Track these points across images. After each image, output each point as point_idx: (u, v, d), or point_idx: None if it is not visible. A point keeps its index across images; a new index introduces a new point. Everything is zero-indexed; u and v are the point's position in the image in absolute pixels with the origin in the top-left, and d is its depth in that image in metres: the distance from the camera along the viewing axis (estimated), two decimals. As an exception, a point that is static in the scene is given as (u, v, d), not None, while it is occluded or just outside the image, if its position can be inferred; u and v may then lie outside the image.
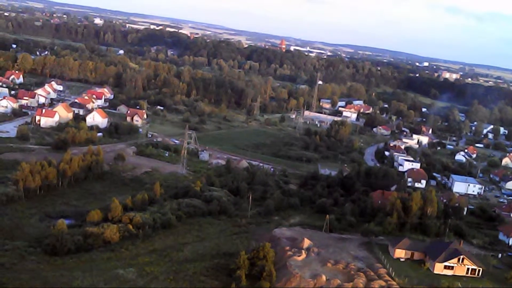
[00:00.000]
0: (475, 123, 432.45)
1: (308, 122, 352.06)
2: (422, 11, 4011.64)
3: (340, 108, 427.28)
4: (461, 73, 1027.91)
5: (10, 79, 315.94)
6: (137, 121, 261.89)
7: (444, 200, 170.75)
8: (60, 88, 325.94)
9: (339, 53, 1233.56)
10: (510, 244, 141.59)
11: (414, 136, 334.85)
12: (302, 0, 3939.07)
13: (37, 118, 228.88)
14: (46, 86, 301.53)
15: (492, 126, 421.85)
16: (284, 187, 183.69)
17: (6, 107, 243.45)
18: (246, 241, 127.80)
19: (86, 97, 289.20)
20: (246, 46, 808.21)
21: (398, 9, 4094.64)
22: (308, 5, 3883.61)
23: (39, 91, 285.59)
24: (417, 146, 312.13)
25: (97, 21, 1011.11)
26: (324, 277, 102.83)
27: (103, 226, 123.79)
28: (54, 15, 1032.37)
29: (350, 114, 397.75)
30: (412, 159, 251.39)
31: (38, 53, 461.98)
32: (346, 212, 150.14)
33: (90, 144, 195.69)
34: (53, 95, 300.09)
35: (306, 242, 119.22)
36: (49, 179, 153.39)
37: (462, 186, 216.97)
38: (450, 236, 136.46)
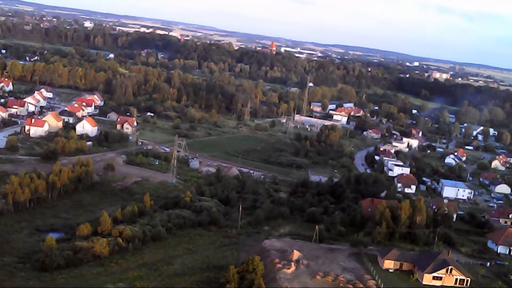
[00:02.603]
0: (465, 124, 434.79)
1: (298, 127, 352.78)
2: (414, 11, 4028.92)
3: (330, 112, 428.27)
4: (451, 73, 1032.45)
5: (0, 87, 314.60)
6: (127, 128, 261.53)
7: (434, 207, 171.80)
8: (50, 95, 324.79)
9: (329, 53, 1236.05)
10: (498, 252, 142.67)
11: (404, 139, 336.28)
12: (292, 1, 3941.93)
13: (27, 127, 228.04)
14: (36, 94, 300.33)
15: (482, 128, 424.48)
16: (274, 195, 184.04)
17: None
18: (236, 253, 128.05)
19: (76, 105, 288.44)
20: (237, 48, 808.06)
21: (389, 9, 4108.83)
22: (299, 6, 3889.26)
23: (29, 99, 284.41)
24: (407, 149, 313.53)
25: (87, 24, 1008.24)
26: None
27: (93, 240, 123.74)
28: (44, 18, 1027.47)
29: (340, 118, 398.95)
30: (402, 163, 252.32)
31: (28, 58, 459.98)
32: (335, 221, 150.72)
33: (80, 154, 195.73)
34: (43, 103, 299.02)
35: (296, 254, 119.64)
36: (38, 191, 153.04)
37: (451, 191, 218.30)
38: (439, 245, 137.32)
